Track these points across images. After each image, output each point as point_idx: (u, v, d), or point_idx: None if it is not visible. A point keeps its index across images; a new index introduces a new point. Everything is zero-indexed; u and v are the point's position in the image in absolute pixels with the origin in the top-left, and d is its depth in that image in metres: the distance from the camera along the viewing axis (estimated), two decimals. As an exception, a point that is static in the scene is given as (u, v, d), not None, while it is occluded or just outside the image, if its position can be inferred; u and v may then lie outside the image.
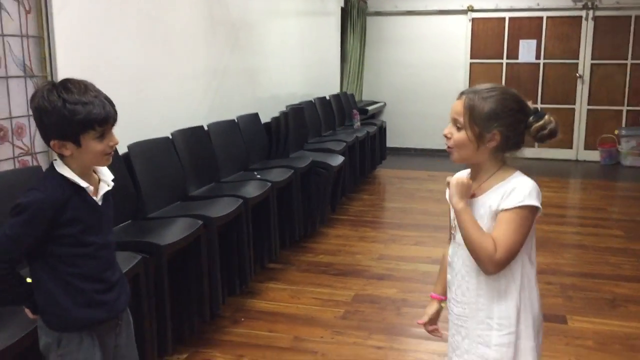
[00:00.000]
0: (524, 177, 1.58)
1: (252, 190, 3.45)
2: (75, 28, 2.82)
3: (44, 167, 2.53)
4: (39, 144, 2.66)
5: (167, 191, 3.17)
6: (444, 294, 1.81)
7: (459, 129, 1.58)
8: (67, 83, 1.49)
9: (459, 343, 1.67)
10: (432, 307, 1.83)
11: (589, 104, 7.93)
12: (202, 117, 3.96)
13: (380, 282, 3.74)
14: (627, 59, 7.71)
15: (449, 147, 1.62)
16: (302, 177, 4.17)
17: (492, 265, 1.53)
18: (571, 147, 7.99)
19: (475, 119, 1.55)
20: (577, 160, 7.95)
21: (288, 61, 5.72)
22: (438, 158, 8.22)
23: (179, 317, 2.76)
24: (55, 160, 1.55)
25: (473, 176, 1.66)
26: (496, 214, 1.55)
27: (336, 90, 7.32)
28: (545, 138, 1.57)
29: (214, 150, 3.74)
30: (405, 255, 4.22)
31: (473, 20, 8.19)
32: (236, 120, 4.24)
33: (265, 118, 4.74)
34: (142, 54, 3.36)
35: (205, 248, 2.79)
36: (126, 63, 3.20)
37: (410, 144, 8.54)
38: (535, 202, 1.52)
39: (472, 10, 8.13)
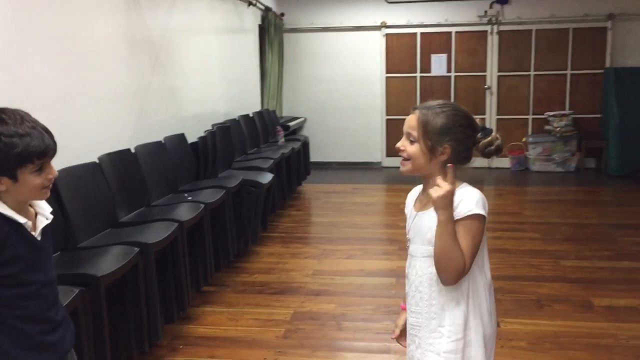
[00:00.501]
0: (470, 187, 1.65)
1: (185, 212, 3.36)
2: (-10, 51, 2.66)
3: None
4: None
5: (97, 218, 3.04)
6: None
7: (412, 142, 1.65)
8: (1, 114, 1.39)
9: (414, 352, 1.71)
10: (402, 319, 1.85)
11: (497, 114, 8.35)
12: (127, 139, 3.83)
13: (318, 298, 3.74)
14: (529, 71, 8.20)
15: (402, 160, 1.68)
16: (234, 197, 4.11)
17: (458, 277, 1.59)
18: (484, 155, 8.36)
19: (428, 133, 1.62)
20: (489, 168, 8.33)
21: (209, 79, 5.65)
22: (360, 171, 8.40)
23: (117, 349, 2.63)
24: (-12, 195, 1.44)
25: (424, 189, 1.72)
26: None
27: (257, 107, 7.30)
28: (492, 154, 1.66)
29: (143, 173, 3.62)
30: (339, 270, 4.25)
31: (387, 35, 8.43)
32: (163, 142, 4.13)
33: (189, 138, 4.64)
34: (61, 75, 3.21)
35: (142, 276, 2.69)
36: (45, 86, 3.05)
37: (331, 158, 8.64)
38: (482, 212, 1.59)
39: (386, 26, 8.38)
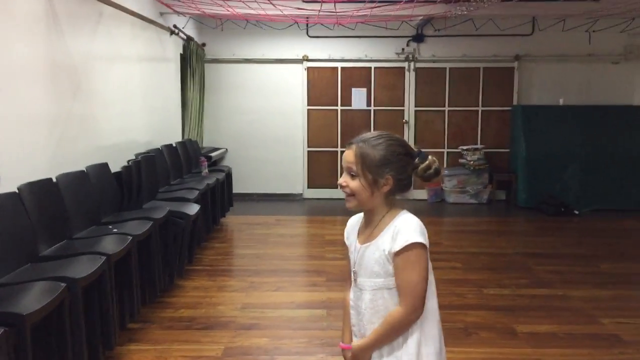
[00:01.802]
0: (408, 215, 1.68)
1: (111, 245, 3.20)
2: None
3: None
4: None
5: (15, 252, 2.82)
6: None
7: (353, 177, 1.65)
8: None
9: None
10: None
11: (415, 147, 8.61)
12: (46, 168, 3.62)
13: (249, 332, 3.65)
14: (444, 106, 8.57)
15: (347, 195, 1.68)
16: (160, 229, 3.97)
17: (413, 317, 1.63)
18: (402, 187, 8.59)
19: (368, 166, 1.63)
20: (407, 199, 8.53)
21: (130, 108, 5.49)
22: (282, 202, 8.38)
23: (38, 395, 2.43)
24: None
25: (367, 221, 1.73)
26: (390, 256, 1.62)
27: (178, 137, 7.15)
28: (432, 177, 1.69)
29: (65, 204, 3.42)
30: (269, 302, 4.18)
31: (308, 69, 8.55)
32: (86, 171, 3.93)
33: (111, 167, 4.45)
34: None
35: (69, 313, 2.51)
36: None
37: (253, 189, 8.57)
38: (420, 239, 1.61)
39: (307, 59, 8.50)
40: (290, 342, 3.50)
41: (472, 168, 8.19)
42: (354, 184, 1.65)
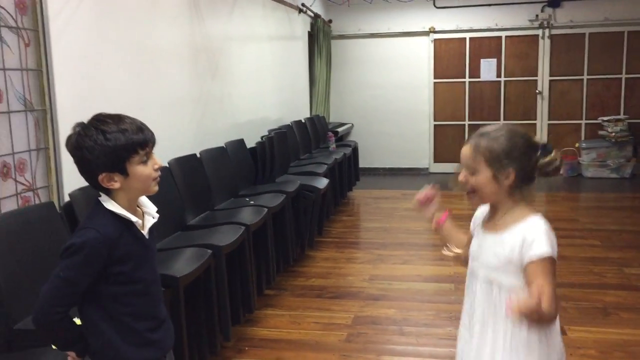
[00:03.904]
0: (538, 219, 1.59)
1: (250, 216, 3.43)
2: (72, 59, 2.78)
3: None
4: (40, 179, 2.59)
5: (168, 221, 3.12)
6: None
7: (472, 173, 1.62)
8: (101, 116, 1.48)
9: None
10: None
11: (549, 119, 8.21)
12: (190, 144, 3.92)
13: (377, 302, 3.75)
14: (583, 75, 8.05)
15: (467, 193, 1.65)
16: (292, 201, 4.16)
17: (552, 316, 1.53)
18: (534, 161, 8.23)
19: (488, 160, 1.58)
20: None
21: (263, 86, 5.74)
22: (408, 176, 8.37)
23: (189, 350, 2.69)
24: (101, 196, 1.52)
25: (492, 213, 1.69)
26: (518, 261, 1.56)
27: (306, 113, 7.37)
28: (551, 173, 1.60)
29: (207, 178, 3.70)
30: (396, 275, 4.25)
31: (435, 41, 8.40)
32: (225, 147, 4.21)
33: (246, 143, 4.72)
34: (134, 82, 3.32)
35: (214, 277, 2.75)
36: (120, 93, 3.15)
37: (378, 163, 8.64)
38: (552, 254, 1.53)
39: (434, 31, 8.35)
40: (418, 314, 3.55)
41: (613, 140, 7.65)
42: (474, 180, 1.61)
